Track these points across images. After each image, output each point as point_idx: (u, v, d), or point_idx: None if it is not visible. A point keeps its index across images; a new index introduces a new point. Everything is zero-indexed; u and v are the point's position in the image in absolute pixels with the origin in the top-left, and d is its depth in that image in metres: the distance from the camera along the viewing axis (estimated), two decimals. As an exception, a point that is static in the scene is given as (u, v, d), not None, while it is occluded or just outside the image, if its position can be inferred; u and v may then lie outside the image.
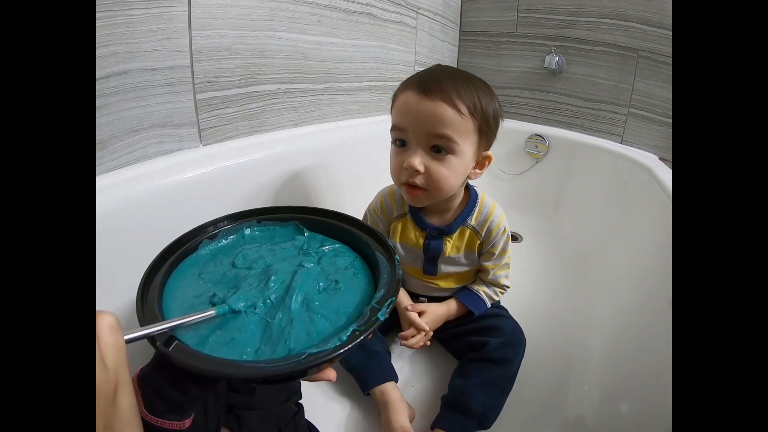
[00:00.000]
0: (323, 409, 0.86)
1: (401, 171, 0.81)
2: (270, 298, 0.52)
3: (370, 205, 1.01)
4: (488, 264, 0.95)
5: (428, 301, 0.98)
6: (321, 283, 0.56)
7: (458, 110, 0.75)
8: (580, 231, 1.66)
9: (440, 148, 0.78)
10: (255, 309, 0.51)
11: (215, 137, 0.99)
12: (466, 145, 0.79)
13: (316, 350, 0.43)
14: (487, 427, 0.81)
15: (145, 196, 0.78)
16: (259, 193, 1.02)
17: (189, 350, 0.43)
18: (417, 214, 0.93)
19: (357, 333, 0.46)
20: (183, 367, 0.41)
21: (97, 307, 0.35)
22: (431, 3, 1.77)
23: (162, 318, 0.48)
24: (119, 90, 0.77)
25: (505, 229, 0.93)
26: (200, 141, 0.96)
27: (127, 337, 0.38)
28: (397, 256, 0.58)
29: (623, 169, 1.59)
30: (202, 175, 0.88)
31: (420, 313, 0.92)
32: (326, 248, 0.63)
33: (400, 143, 0.82)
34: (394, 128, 0.82)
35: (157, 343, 0.42)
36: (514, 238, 1.68)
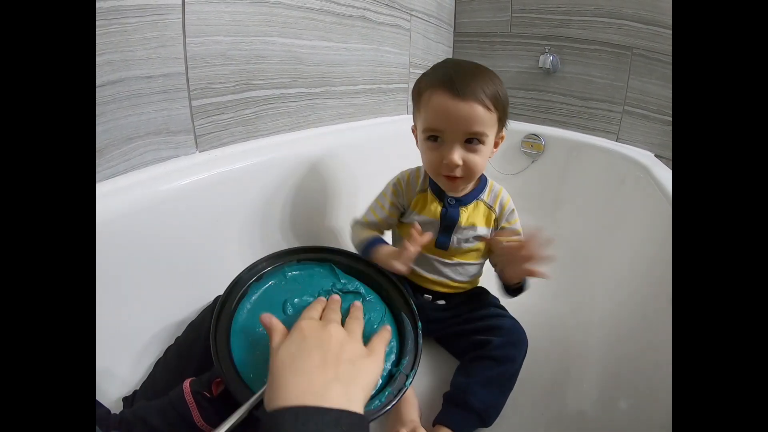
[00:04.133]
0: None
1: (440, 166, 0.88)
2: None
3: (394, 179, 1.05)
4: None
5: (432, 299, 1.00)
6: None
7: (487, 108, 0.83)
8: (578, 229, 1.67)
9: (473, 140, 0.86)
10: None
11: (211, 143, 1.00)
12: (492, 134, 0.88)
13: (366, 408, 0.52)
14: (488, 424, 0.82)
15: (142, 204, 0.79)
16: (255, 198, 1.02)
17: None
18: (436, 188, 0.99)
19: (391, 396, 0.58)
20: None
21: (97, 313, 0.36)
22: (425, 5, 1.78)
23: (239, 375, 0.56)
24: (115, 98, 0.77)
25: (513, 209, 1.02)
26: (196, 147, 0.96)
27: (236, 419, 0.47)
28: (419, 323, 0.71)
29: (619, 167, 1.59)
30: (199, 181, 0.88)
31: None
32: (362, 299, 0.72)
33: (434, 139, 0.88)
34: (430, 129, 0.88)
35: (255, 412, 0.50)
36: (512, 237, 1.68)
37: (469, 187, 0.99)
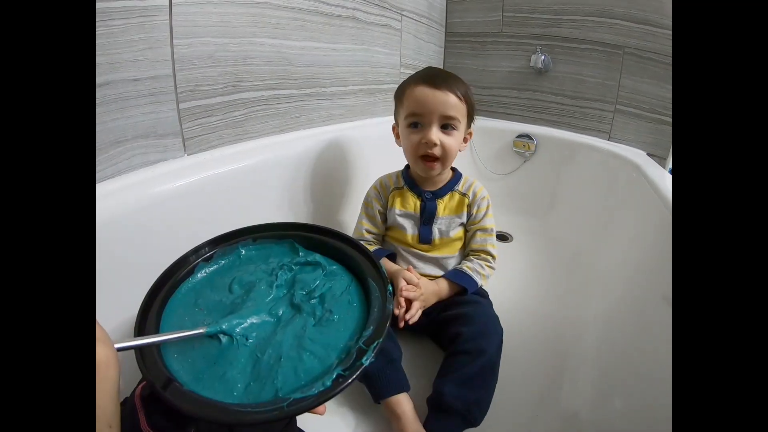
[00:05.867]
0: (325, 424, 0.82)
1: (419, 146, 1.02)
2: (262, 331, 0.55)
3: (371, 186, 1.17)
4: (474, 226, 1.10)
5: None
6: (317, 312, 0.57)
7: (458, 97, 1.00)
8: (571, 229, 1.67)
9: (448, 125, 1.02)
10: (248, 340, 0.53)
11: (200, 146, 0.99)
12: (462, 122, 1.04)
13: (300, 395, 0.45)
14: (476, 424, 0.80)
15: (130, 208, 0.78)
16: (245, 201, 1.01)
17: (184, 392, 0.45)
18: (413, 185, 1.12)
19: (341, 379, 0.46)
20: (179, 410, 0.43)
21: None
22: (416, 5, 1.78)
23: (158, 351, 0.50)
24: (102, 101, 0.76)
25: (485, 196, 1.12)
26: (185, 150, 0.95)
27: (117, 345, 0.40)
28: (389, 287, 0.59)
29: (612, 166, 1.60)
30: (188, 185, 0.87)
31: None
32: (323, 270, 0.65)
33: (414, 125, 1.03)
34: (411, 114, 1.03)
35: (156, 386, 0.45)
36: (504, 237, 1.68)
37: (444, 179, 1.12)
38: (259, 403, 0.45)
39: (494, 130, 1.94)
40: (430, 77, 1.02)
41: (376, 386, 0.85)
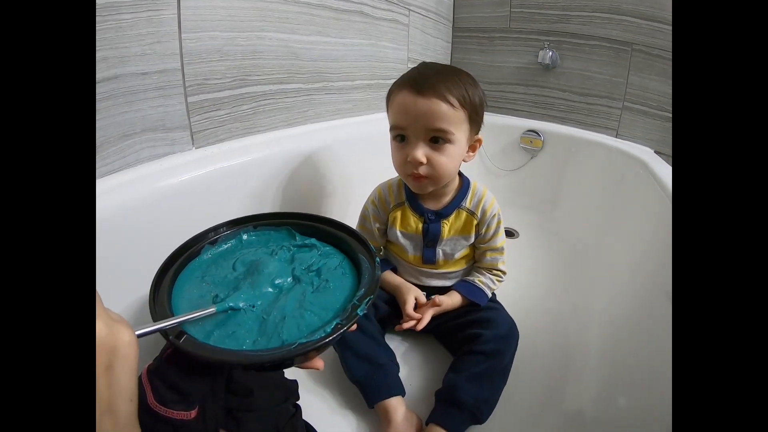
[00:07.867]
0: (328, 423, 0.84)
1: (405, 164, 0.89)
2: (266, 299, 0.59)
3: (368, 198, 1.07)
4: (483, 246, 1.01)
5: (426, 295, 0.99)
6: (315, 282, 0.63)
7: (450, 104, 0.83)
8: (577, 226, 1.66)
9: (438, 139, 0.86)
10: (254, 307, 0.58)
11: (208, 140, 0.99)
12: (460, 134, 0.87)
13: (305, 340, 0.51)
14: (482, 421, 0.81)
15: (138, 201, 0.78)
16: (253, 194, 1.01)
17: (197, 342, 0.50)
18: (414, 202, 1.00)
19: (339, 326, 0.53)
20: (192, 356, 0.48)
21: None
22: (423, 0, 1.77)
23: (172, 315, 0.54)
24: (110, 95, 0.77)
25: (496, 213, 1.00)
26: (193, 144, 0.96)
27: (139, 332, 0.42)
28: (377, 258, 0.65)
29: (619, 163, 1.59)
30: (196, 178, 0.88)
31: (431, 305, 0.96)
32: (318, 251, 0.70)
33: (401, 139, 0.89)
34: (394, 127, 0.90)
35: (170, 337, 0.48)
36: (511, 233, 1.68)
37: (449, 196, 1.00)
38: (269, 348, 0.51)
39: (501, 126, 1.94)
40: (416, 80, 0.85)
41: (366, 391, 0.86)
